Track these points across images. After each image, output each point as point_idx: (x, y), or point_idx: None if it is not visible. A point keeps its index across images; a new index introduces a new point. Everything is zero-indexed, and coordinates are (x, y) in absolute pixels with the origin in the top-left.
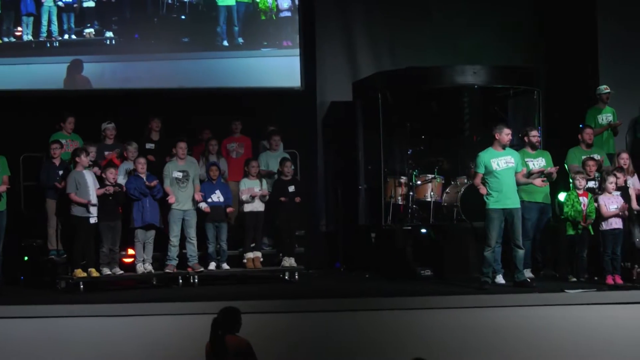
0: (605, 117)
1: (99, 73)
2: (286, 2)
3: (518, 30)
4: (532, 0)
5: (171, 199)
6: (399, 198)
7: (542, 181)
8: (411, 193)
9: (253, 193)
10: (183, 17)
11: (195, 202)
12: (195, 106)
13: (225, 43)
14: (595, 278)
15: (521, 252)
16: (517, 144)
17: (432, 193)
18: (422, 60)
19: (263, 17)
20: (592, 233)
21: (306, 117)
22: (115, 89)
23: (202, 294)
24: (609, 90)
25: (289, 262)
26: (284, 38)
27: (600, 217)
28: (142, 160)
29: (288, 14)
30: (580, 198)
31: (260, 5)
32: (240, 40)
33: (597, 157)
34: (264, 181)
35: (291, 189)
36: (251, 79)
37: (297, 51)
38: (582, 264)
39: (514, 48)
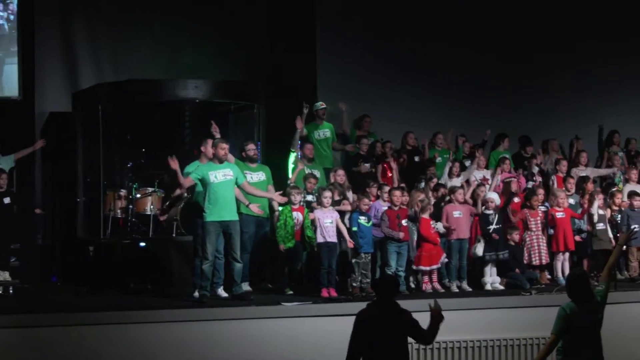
0: (323, 132)
1: None
2: None
3: (241, 46)
4: (256, 16)
5: None
6: (119, 211)
7: (258, 207)
8: (131, 206)
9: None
10: None
11: None
12: None
13: None
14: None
15: (239, 265)
16: (238, 158)
17: (152, 207)
18: (145, 72)
19: None
20: (308, 248)
21: (24, 127)
22: None
23: None
24: (325, 106)
25: (3, 276)
26: None
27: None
28: None
29: None
30: (294, 213)
31: None
32: None
33: (316, 172)
34: None
35: (6, 200)
36: None
37: (14, 60)
38: (296, 276)
39: (238, 64)
